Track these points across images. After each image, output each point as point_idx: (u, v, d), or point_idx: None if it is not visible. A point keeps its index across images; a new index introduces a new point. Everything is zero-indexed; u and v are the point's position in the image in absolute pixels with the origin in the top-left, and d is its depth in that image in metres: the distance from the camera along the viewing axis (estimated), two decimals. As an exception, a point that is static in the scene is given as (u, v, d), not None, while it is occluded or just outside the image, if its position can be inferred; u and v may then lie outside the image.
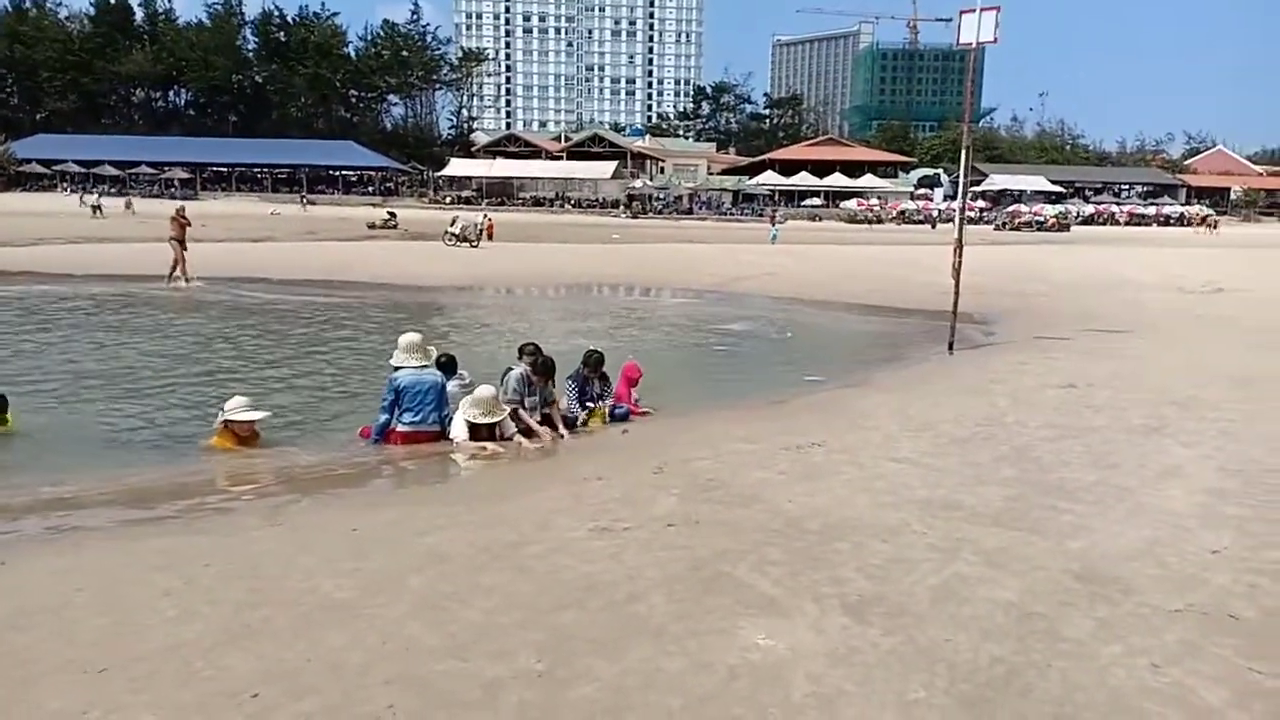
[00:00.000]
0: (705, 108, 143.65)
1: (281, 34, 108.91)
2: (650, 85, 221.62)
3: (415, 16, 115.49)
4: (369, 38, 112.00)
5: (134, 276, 21.39)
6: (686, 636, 3.84)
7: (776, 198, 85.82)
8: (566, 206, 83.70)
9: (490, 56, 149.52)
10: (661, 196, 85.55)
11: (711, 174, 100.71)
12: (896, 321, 18.34)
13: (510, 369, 8.51)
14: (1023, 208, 74.86)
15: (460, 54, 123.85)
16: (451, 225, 36.07)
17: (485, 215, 43.00)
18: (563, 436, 8.33)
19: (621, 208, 79.52)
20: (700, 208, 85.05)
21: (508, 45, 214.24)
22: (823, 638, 3.85)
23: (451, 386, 8.46)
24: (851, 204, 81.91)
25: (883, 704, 3.33)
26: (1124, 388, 10.00)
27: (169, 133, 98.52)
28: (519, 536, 5.16)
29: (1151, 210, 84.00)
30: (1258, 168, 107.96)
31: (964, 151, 13.30)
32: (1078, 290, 22.20)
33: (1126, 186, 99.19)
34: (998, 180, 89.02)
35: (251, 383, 10.70)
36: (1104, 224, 77.36)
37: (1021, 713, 3.29)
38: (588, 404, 8.99)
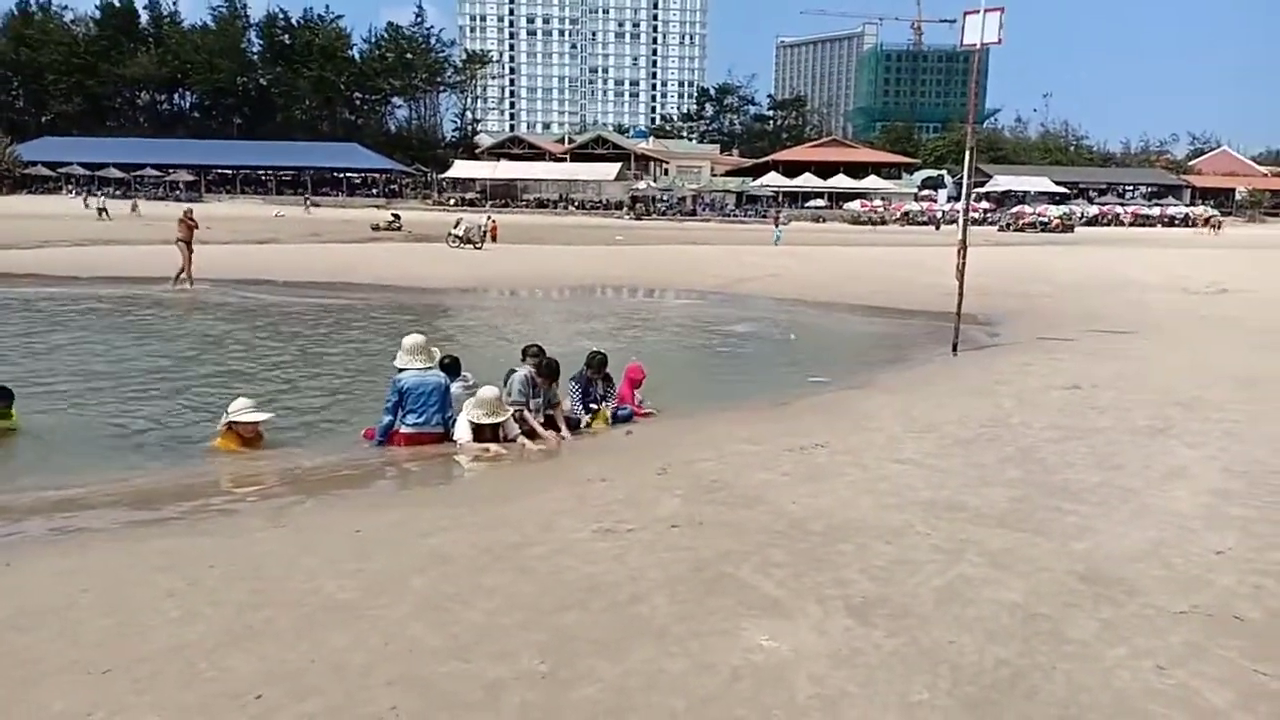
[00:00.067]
0: (709, 109, 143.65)
1: (286, 37, 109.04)
2: (654, 87, 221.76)
3: (419, 19, 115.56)
4: (373, 40, 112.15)
5: (140, 279, 21.43)
6: (689, 637, 3.84)
7: (780, 199, 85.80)
8: (570, 208, 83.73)
9: (494, 59, 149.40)
10: (665, 198, 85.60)
11: (715, 175, 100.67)
12: (900, 323, 18.31)
13: (514, 371, 8.51)
14: (1027, 209, 74.65)
15: (464, 56, 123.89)
16: (455, 227, 36.15)
17: (489, 217, 43.08)
18: (565, 438, 8.32)
19: (625, 209, 79.57)
20: (704, 209, 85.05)
21: (511, 47, 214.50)
22: (826, 639, 3.85)
23: (455, 388, 8.47)
24: (855, 205, 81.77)
25: (886, 705, 3.32)
26: (1129, 389, 9.98)
27: (174, 135, 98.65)
28: (522, 538, 5.16)
29: (1156, 211, 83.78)
30: (1262, 168, 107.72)
31: (968, 153, 13.28)
32: (1082, 291, 22.17)
33: (1131, 187, 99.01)
34: (1002, 181, 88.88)
35: (256, 384, 10.74)
36: (1108, 225, 77.17)
37: (1026, 715, 3.28)
38: (591, 405, 8.99)
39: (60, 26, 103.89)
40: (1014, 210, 74.67)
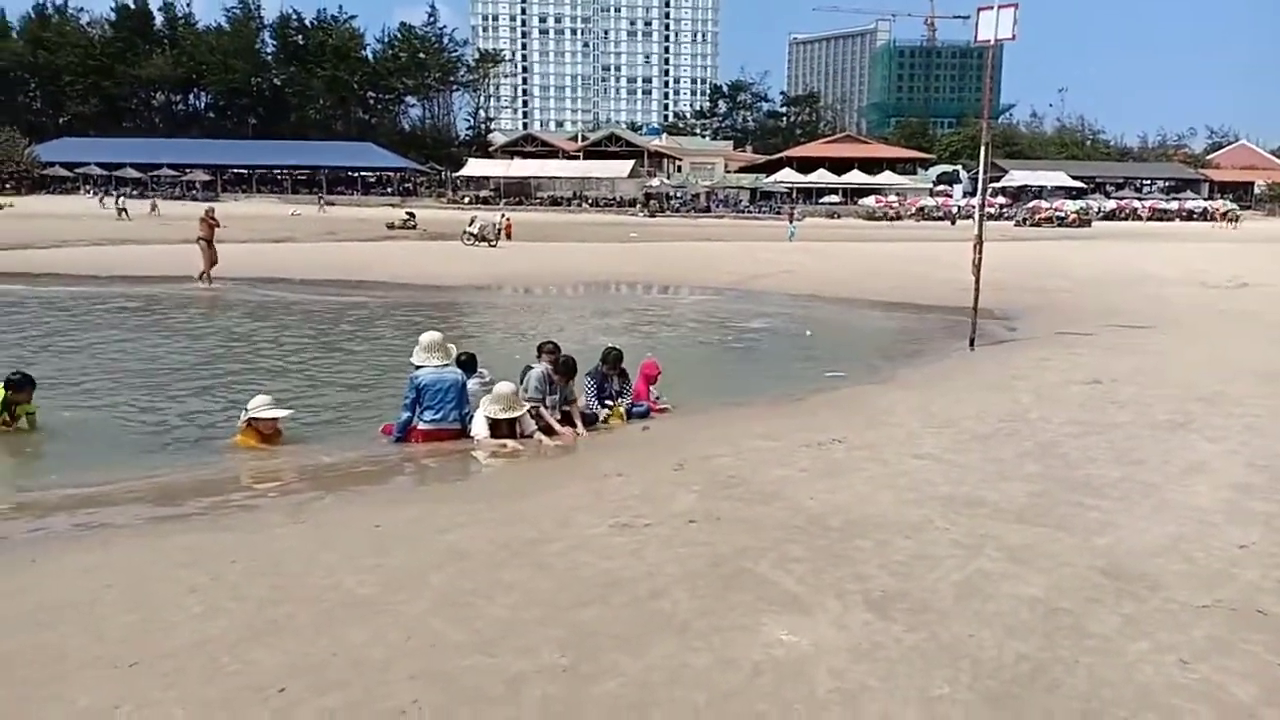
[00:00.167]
0: (722, 106, 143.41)
1: (300, 37, 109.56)
2: (667, 84, 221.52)
3: (432, 19, 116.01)
4: (386, 40, 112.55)
5: (158, 278, 21.62)
6: (710, 632, 3.84)
7: (794, 195, 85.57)
8: (584, 206, 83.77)
9: (507, 57, 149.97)
10: (679, 195, 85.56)
11: (729, 172, 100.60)
12: (917, 318, 18.24)
13: (530, 367, 8.53)
14: (1043, 203, 74.23)
15: (477, 55, 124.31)
16: (470, 225, 36.24)
17: (503, 215, 43.22)
18: (581, 434, 8.33)
19: (639, 206, 79.56)
20: (717, 206, 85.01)
21: (524, 46, 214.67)
22: (845, 634, 3.84)
23: (472, 384, 8.49)
24: (870, 201, 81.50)
25: (906, 700, 3.31)
26: (1148, 383, 9.91)
27: (189, 135, 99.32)
28: (539, 533, 5.17)
29: (1174, 205, 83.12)
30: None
31: (983, 147, 13.21)
32: (1100, 285, 22.01)
33: (1148, 182, 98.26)
34: (1018, 176, 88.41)
35: (275, 380, 10.80)
36: (1126, 219, 76.64)
37: (1048, 709, 3.26)
38: (607, 402, 8.99)
39: (76, 29, 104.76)
40: (1030, 205, 74.21)
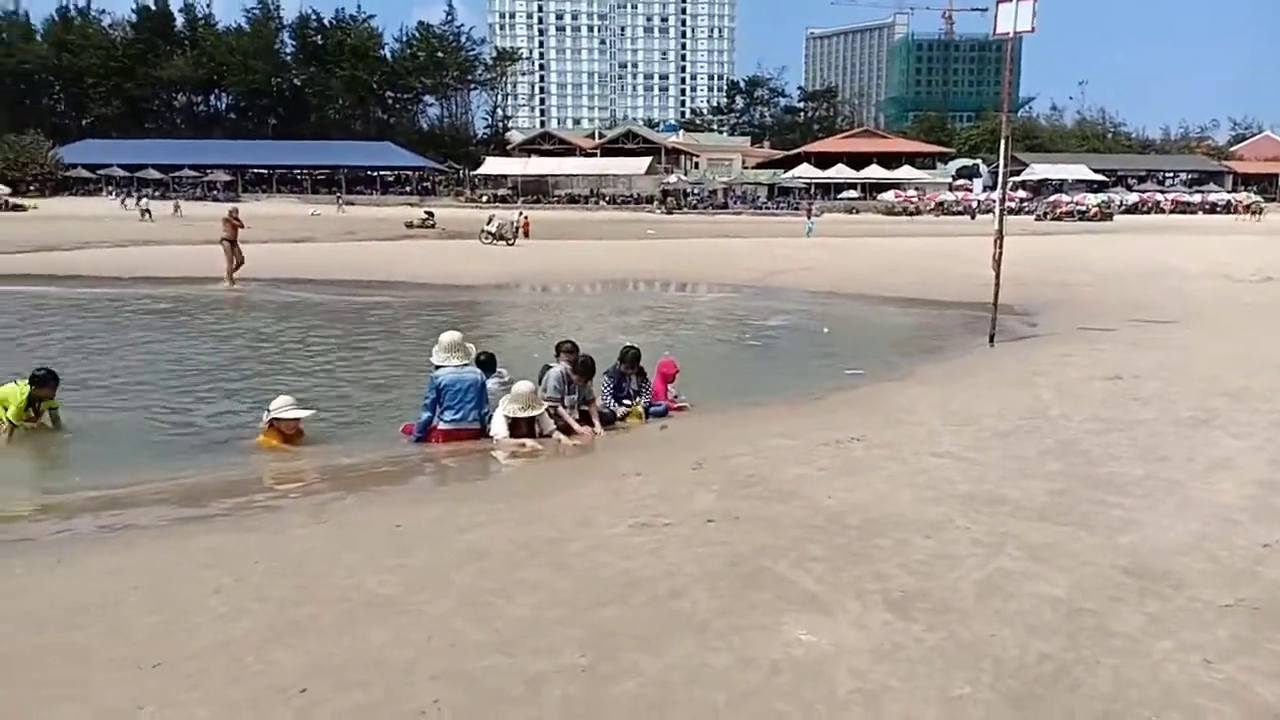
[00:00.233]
0: (739, 102, 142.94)
1: (319, 37, 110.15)
2: (684, 81, 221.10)
3: (450, 18, 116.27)
4: (404, 39, 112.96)
5: (182, 279, 21.80)
6: (729, 632, 3.84)
7: (812, 191, 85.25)
8: (601, 203, 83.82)
9: (524, 56, 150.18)
10: (696, 191, 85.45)
11: (746, 168, 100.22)
12: (936, 314, 18.14)
13: (549, 367, 8.55)
14: (1064, 197, 73.57)
15: (494, 54, 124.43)
16: (488, 224, 36.32)
17: (521, 213, 43.27)
18: (599, 433, 8.34)
19: (656, 203, 79.50)
20: (735, 202, 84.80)
21: (541, 44, 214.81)
22: (865, 634, 3.83)
23: (491, 384, 8.52)
24: (889, 196, 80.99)
25: (927, 700, 3.30)
26: (1172, 379, 9.81)
27: (210, 136, 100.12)
28: (559, 533, 5.18)
29: (1197, 198, 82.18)
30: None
31: (1003, 141, 13.12)
32: (1122, 280, 21.79)
33: (1171, 174, 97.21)
34: (1038, 170, 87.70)
35: (297, 379, 10.87)
36: (1148, 212, 75.84)
37: (1070, 709, 3.24)
38: (624, 401, 9.00)
39: (99, 31, 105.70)
40: (1051, 199, 73.59)
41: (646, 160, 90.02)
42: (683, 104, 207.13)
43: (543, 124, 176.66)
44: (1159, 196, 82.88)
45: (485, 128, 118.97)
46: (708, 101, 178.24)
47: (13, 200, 64.89)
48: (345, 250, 32.75)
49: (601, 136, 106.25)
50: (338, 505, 6.22)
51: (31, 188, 76.64)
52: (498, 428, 7.89)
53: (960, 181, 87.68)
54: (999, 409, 8.48)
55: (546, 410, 8.01)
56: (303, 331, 15.24)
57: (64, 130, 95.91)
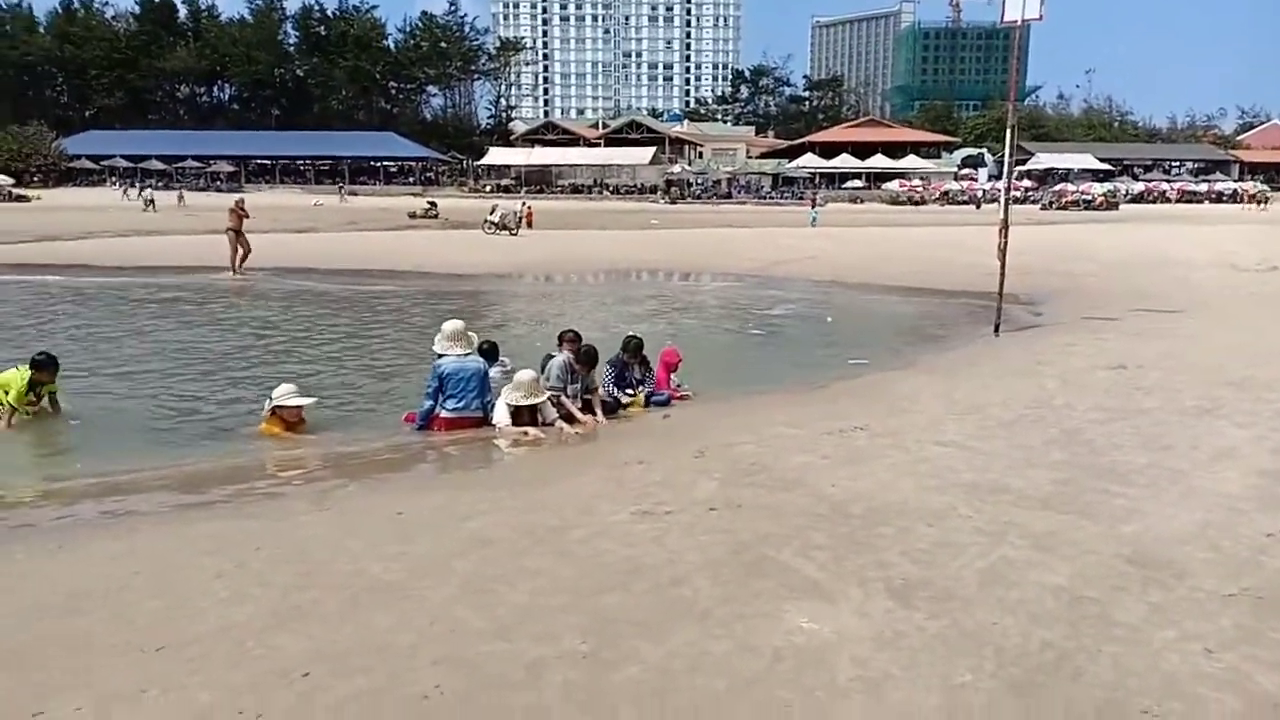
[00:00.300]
0: (744, 91, 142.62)
1: (322, 28, 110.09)
2: (688, 70, 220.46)
3: (453, 8, 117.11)
4: (408, 30, 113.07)
5: (186, 268, 21.83)
6: (731, 620, 3.84)
7: (817, 181, 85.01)
8: (605, 193, 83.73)
9: (528, 45, 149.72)
10: (700, 181, 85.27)
11: (750, 158, 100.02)
12: (940, 304, 18.10)
13: (552, 356, 8.54)
14: (1070, 186, 73.28)
15: (498, 44, 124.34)
16: (491, 214, 36.31)
17: (524, 203, 43.22)
18: (602, 422, 8.33)
19: (660, 193, 79.38)
20: (739, 192, 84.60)
21: (545, 34, 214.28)
22: (867, 621, 3.83)
23: (493, 373, 8.52)
24: (894, 185, 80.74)
25: (929, 687, 3.30)
26: (1176, 368, 9.78)
27: (214, 127, 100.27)
28: (561, 520, 5.18)
29: (1203, 187, 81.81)
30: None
31: (1009, 130, 13.06)
32: (1127, 269, 21.72)
33: (1177, 163, 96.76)
34: (1044, 159, 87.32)
35: (300, 367, 10.89)
36: (1154, 202, 75.49)
37: (1072, 697, 3.24)
38: (627, 390, 8.99)
39: (102, 23, 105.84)
40: (1056, 188, 73.33)
41: (650, 150, 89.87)
42: (687, 93, 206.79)
43: (546, 114, 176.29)
44: (1165, 186, 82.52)
45: (489, 118, 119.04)
46: (712, 91, 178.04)
47: (16, 191, 64.98)
48: (348, 240, 32.74)
49: (605, 126, 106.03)
50: (340, 492, 6.22)
51: (35, 179, 76.81)
52: (500, 416, 7.88)
53: (966, 171, 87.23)
54: (1003, 398, 8.46)
55: (549, 399, 8.01)
56: (306, 320, 15.24)
57: (67, 121, 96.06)
